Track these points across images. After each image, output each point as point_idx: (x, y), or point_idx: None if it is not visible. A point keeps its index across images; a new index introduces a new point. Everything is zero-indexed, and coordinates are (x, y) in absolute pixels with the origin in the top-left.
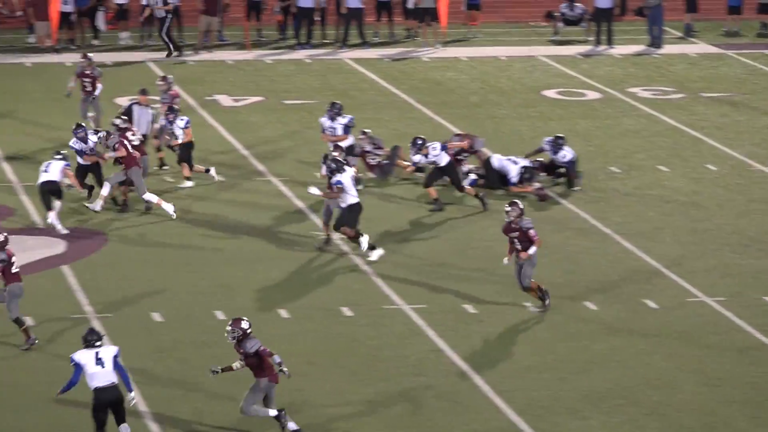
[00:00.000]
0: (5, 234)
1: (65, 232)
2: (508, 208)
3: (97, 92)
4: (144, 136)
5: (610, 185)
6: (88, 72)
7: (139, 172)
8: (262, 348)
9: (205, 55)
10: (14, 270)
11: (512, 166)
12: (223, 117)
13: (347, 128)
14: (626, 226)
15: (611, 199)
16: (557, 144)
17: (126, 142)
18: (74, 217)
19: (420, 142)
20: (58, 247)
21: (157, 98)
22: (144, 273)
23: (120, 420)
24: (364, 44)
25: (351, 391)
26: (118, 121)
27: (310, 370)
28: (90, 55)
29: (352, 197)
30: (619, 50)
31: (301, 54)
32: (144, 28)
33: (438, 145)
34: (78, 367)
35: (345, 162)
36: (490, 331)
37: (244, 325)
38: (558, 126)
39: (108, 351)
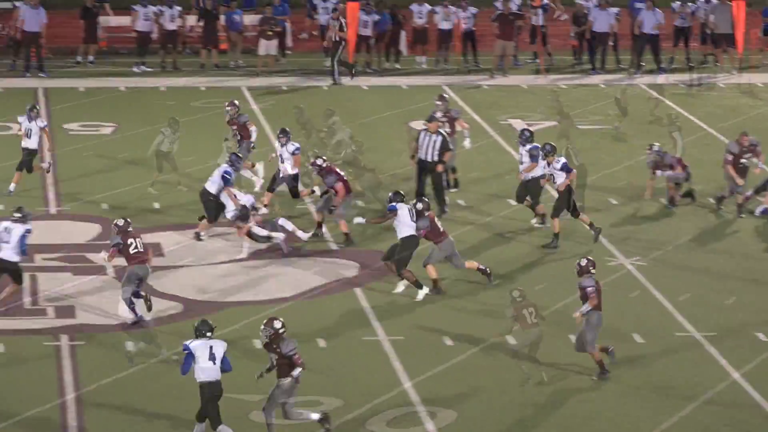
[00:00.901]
0: (125, 219)
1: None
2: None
3: (241, 138)
4: (430, 162)
5: None
6: (235, 120)
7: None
8: (296, 356)
9: (500, 80)
10: (132, 251)
11: None
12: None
13: (533, 157)
14: None
15: None
16: None
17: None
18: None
19: (548, 147)
20: (351, 270)
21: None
22: (440, 298)
23: (216, 421)
24: (660, 70)
25: (643, 418)
26: (319, 161)
27: (596, 396)
28: (236, 102)
29: (407, 228)
30: None
31: (596, 79)
32: (440, 52)
33: (564, 161)
34: (190, 357)
35: (404, 196)
36: None
37: (277, 324)
38: None
39: (220, 346)
